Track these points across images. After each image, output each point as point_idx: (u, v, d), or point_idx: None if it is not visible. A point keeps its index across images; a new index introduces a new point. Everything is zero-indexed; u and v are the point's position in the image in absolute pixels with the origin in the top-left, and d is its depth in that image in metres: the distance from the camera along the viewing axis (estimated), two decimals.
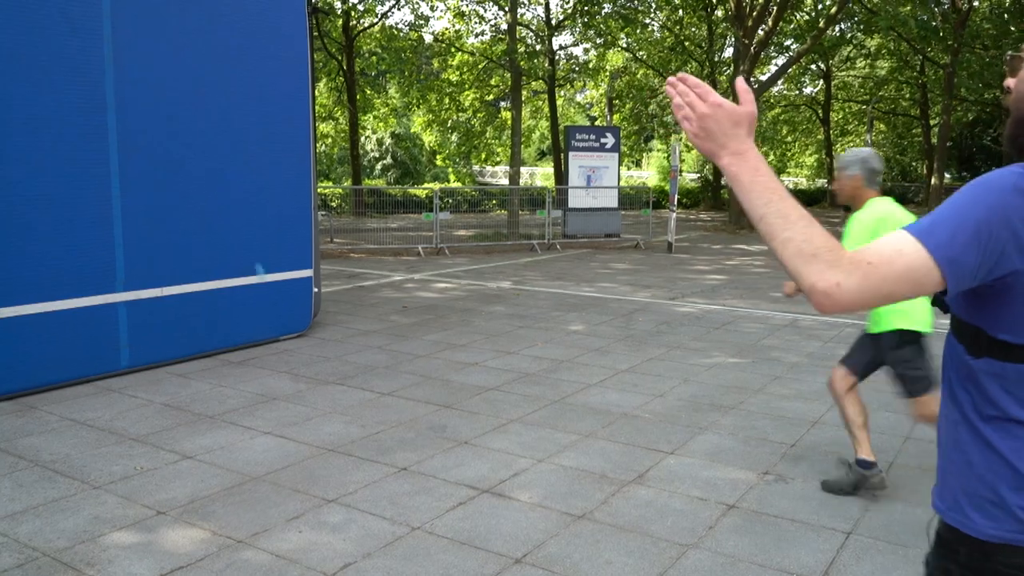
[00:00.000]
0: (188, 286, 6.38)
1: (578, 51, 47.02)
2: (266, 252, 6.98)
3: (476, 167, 40.71)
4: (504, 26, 26.60)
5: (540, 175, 45.84)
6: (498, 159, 36.14)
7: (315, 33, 24.64)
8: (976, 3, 29.04)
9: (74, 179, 5.61)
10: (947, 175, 41.02)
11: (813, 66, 36.09)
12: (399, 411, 5.20)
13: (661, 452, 4.50)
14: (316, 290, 7.64)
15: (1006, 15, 29.73)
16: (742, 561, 3.25)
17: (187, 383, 5.79)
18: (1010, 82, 1.33)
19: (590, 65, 32.77)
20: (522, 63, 20.40)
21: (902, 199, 41.97)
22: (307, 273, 7.41)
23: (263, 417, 5.03)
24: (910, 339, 3.72)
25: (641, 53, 33.14)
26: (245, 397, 5.46)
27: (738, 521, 3.62)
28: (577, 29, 29.52)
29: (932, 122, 35.08)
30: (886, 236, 1.21)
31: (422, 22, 27.98)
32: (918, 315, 3.70)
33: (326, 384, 5.82)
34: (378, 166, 40.20)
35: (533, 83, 30.18)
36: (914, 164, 45.34)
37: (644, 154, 47.61)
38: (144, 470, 4.11)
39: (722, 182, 35.24)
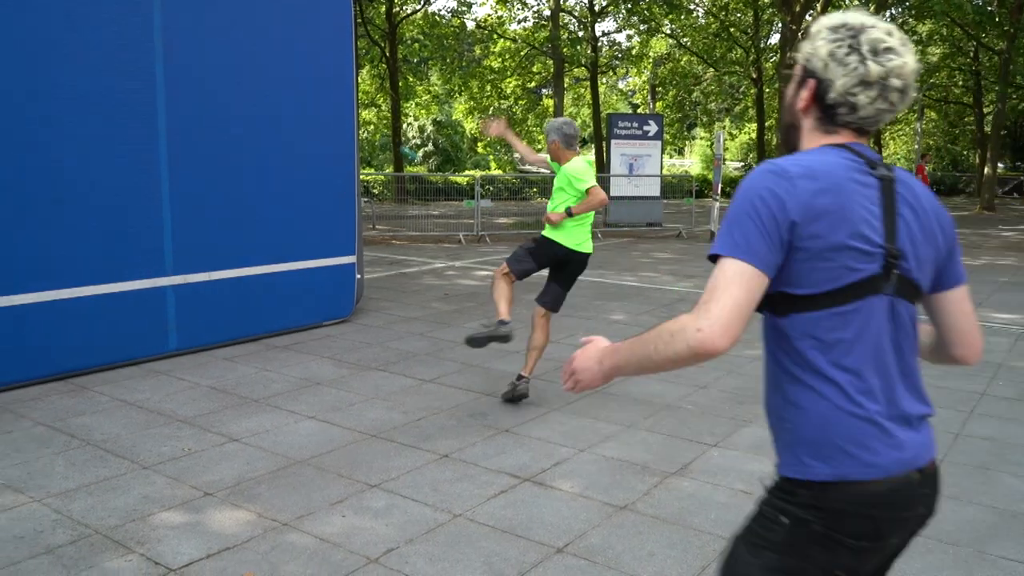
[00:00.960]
0: (234, 271, 6.47)
1: (621, 37, 46.58)
2: (310, 238, 7.05)
3: (517, 155, 40.65)
4: (547, 12, 26.46)
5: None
6: (539, 147, 36.06)
7: (359, 20, 24.76)
8: None
9: (124, 163, 5.71)
10: (1001, 165, 39.93)
11: None
12: (440, 398, 5.22)
13: (704, 444, 4.46)
14: (359, 276, 7.69)
15: None
16: None
17: (233, 366, 5.89)
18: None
19: (633, 52, 32.49)
20: (565, 50, 20.30)
21: (952, 190, 41.00)
22: (351, 259, 7.46)
23: (307, 402, 5.09)
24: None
25: (685, 39, 32.72)
26: (289, 381, 5.53)
27: None
28: (620, 15, 29.27)
29: (986, 110, 34.12)
30: (713, 275, 1.42)
31: (465, 8, 28.01)
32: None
33: (368, 370, 5.87)
34: (419, 153, 40.35)
35: (575, 70, 30.01)
36: (966, 153, 44.17)
37: (687, 142, 47.13)
38: (192, 451, 4.19)
39: None
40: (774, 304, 1.49)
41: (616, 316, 7.98)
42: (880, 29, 1.49)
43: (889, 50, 1.47)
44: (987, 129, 31.32)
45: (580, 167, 5.08)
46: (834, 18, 1.53)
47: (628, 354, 1.53)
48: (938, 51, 35.69)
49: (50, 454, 4.11)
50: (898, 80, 1.47)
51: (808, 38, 1.56)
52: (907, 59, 1.47)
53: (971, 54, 33.17)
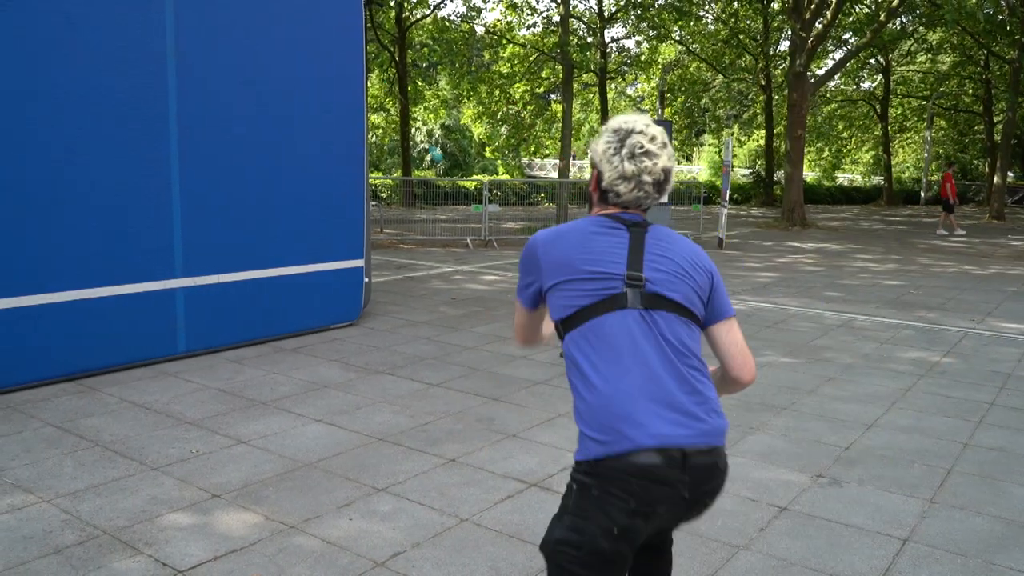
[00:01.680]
0: (243, 273, 6.50)
1: (630, 44, 46.57)
2: (319, 241, 7.07)
3: (524, 160, 40.69)
4: (556, 18, 26.49)
5: (589, 169, 45.57)
6: (547, 152, 36.08)
7: (368, 24, 24.84)
8: None
9: (135, 165, 5.75)
10: (1010, 174, 39.76)
11: (872, 60, 35.27)
12: (448, 402, 5.23)
13: None
14: (367, 280, 7.72)
15: None
16: (794, 565, 3.19)
17: (241, 369, 5.91)
18: None
19: (642, 58, 32.49)
20: (574, 55, 20.28)
21: (962, 198, 40.83)
22: (358, 263, 7.48)
23: (314, 405, 5.10)
24: None
25: (695, 46, 32.73)
26: (297, 384, 5.54)
27: (790, 524, 3.57)
28: (630, 21, 29.29)
29: (996, 119, 33.98)
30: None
31: (474, 14, 28.00)
32: None
33: (376, 374, 5.88)
34: (427, 157, 40.43)
35: (584, 76, 30.03)
36: (975, 162, 44.01)
37: (695, 149, 47.09)
38: (200, 453, 4.20)
39: (774, 178, 34.68)
40: (560, 330, 1.94)
41: None
42: (644, 135, 1.91)
43: (645, 153, 1.89)
44: (997, 138, 31.19)
45: None
46: (615, 121, 1.96)
47: None
48: (948, 59, 35.65)
49: (59, 455, 4.13)
50: (649, 176, 1.90)
51: (596, 136, 2.02)
52: (659, 161, 1.91)
53: (981, 63, 33.08)
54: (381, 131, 34.46)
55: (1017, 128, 31.55)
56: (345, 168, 7.30)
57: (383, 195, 25.45)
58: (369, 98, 31.23)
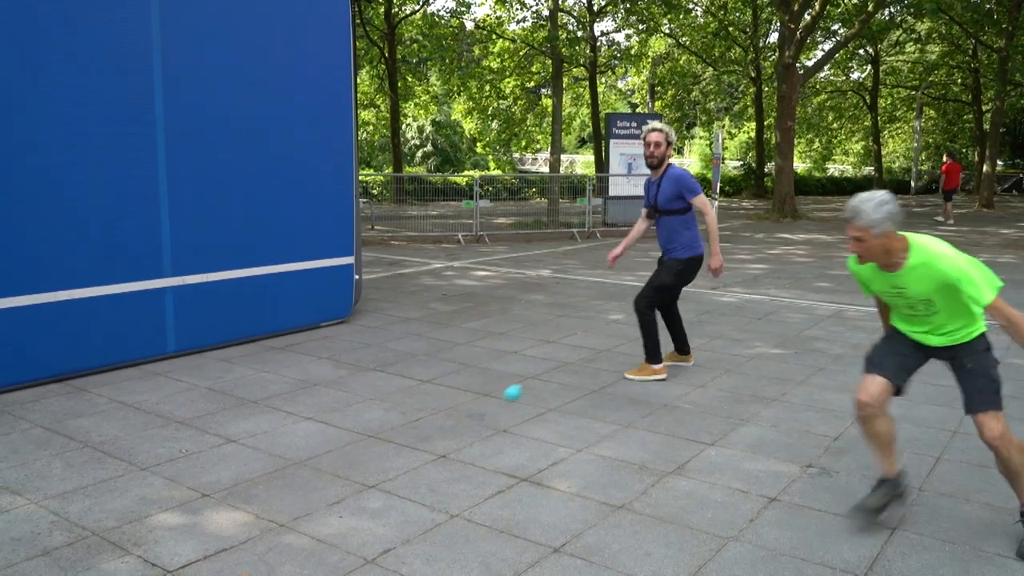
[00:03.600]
0: (232, 272, 6.47)
1: (620, 37, 46.52)
2: (309, 239, 7.05)
3: (516, 155, 40.65)
4: (546, 12, 26.44)
5: (580, 163, 45.61)
6: (538, 146, 36.00)
7: (357, 20, 24.74)
8: None
9: (122, 165, 5.72)
10: (1000, 162, 39.88)
11: (861, 51, 35.27)
12: (438, 399, 5.22)
13: (701, 443, 4.46)
14: (357, 277, 7.70)
15: None
16: (784, 555, 3.20)
17: (231, 368, 5.89)
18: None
19: (632, 51, 32.44)
20: (563, 50, 20.25)
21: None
22: (348, 260, 7.47)
23: (304, 403, 5.09)
24: None
25: (684, 39, 32.69)
26: (287, 383, 5.53)
27: (780, 514, 3.58)
28: (619, 15, 29.24)
29: (984, 108, 34.08)
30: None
31: (463, 9, 27.90)
32: None
33: (366, 371, 5.87)
34: (418, 153, 40.34)
35: (574, 70, 29.98)
36: (964, 151, 44.11)
37: (686, 141, 47.08)
38: (189, 453, 4.19)
39: (765, 170, 34.70)
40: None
41: (615, 316, 7.98)
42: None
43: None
44: (986, 127, 31.28)
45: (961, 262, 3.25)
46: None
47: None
48: (937, 49, 35.70)
49: (48, 456, 4.11)
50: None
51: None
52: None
53: (970, 52, 33.14)
54: (372, 128, 34.36)
55: (1006, 117, 31.65)
56: (334, 165, 7.27)
57: (374, 192, 25.39)
58: (359, 95, 31.18)
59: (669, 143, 5.56)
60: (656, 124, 5.57)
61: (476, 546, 3.24)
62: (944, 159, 22.98)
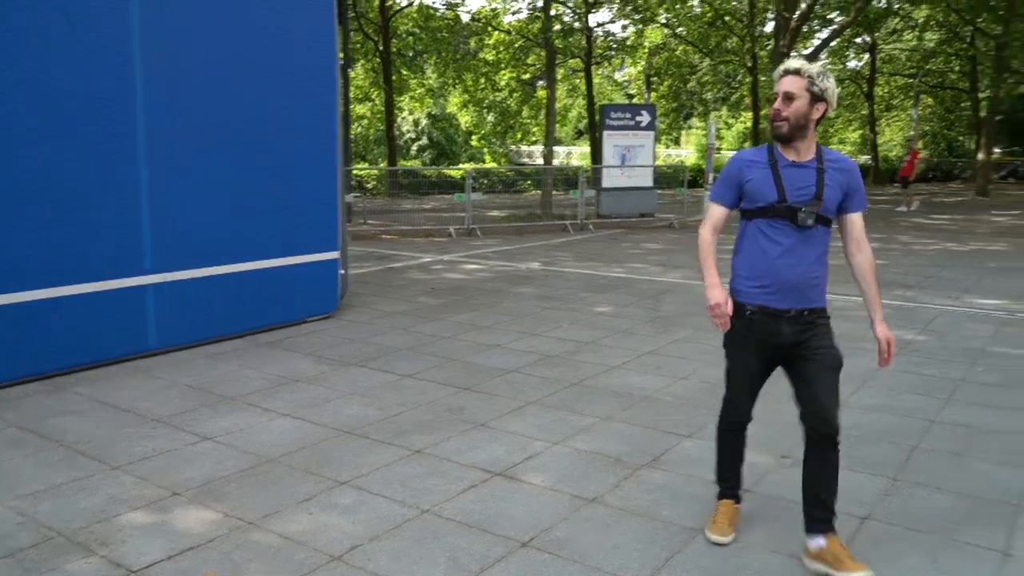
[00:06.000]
0: (215, 268, 6.45)
1: (616, 28, 46.30)
2: (292, 234, 7.02)
3: (512, 147, 40.58)
4: (540, 3, 26.34)
5: (577, 154, 45.53)
6: (534, 139, 35.94)
7: (351, 13, 24.66)
8: None
9: (102, 161, 5.68)
10: (997, 150, 39.78)
11: (858, 39, 35.15)
12: (419, 393, 5.21)
13: (679, 435, 4.45)
14: (343, 272, 7.68)
15: None
16: (753, 546, 3.20)
17: (213, 364, 5.88)
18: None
19: (628, 42, 32.32)
20: (556, 41, 20.20)
21: (948, 175, 40.88)
22: (334, 255, 7.44)
23: (284, 399, 5.08)
24: None
25: (680, 29, 32.55)
26: (268, 379, 5.52)
27: (753, 505, 3.56)
28: (615, 5, 29.12)
29: (981, 95, 33.94)
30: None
31: (458, 1, 27.83)
32: None
33: (348, 366, 5.86)
34: (414, 147, 40.27)
35: (570, 61, 29.89)
36: (961, 139, 44.00)
37: (683, 132, 47.00)
38: (163, 451, 4.18)
39: None
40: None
41: (601, 308, 7.96)
42: None
43: None
44: (983, 114, 31.17)
45: None
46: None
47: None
48: (935, 37, 35.56)
49: (21, 456, 4.10)
50: None
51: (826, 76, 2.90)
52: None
53: (968, 39, 33.00)
54: (367, 121, 34.30)
55: (1002, 104, 31.57)
56: (318, 159, 7.24)
57: (369, 185, 25.34)
58: (354, 88, 31.12)
59: (818, 98, 2.91)
60: (794, 63, 2.96)
61: (445, 541, 3.23)
62: (909, 148, 23.09)
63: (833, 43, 32.40)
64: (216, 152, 6.40)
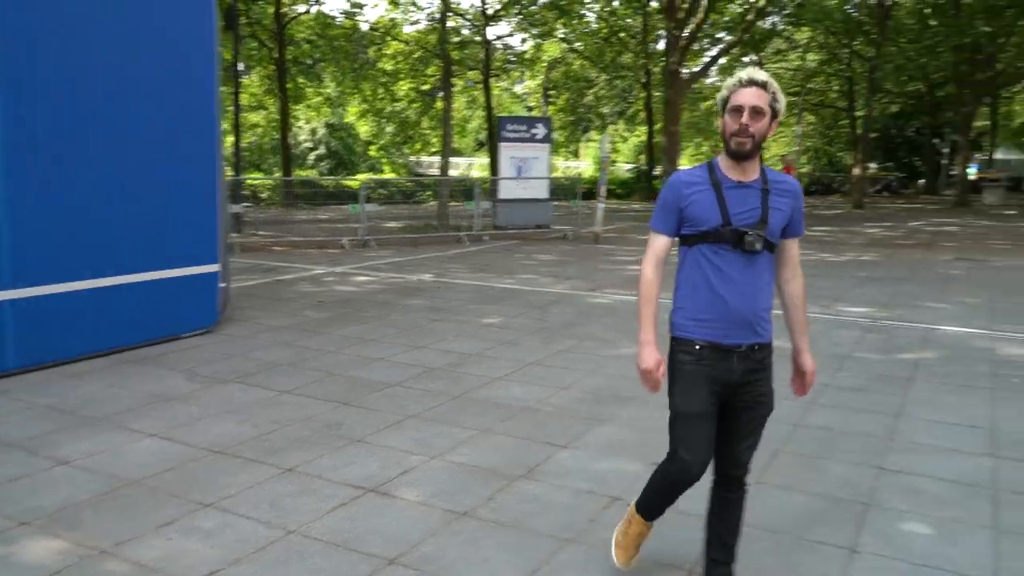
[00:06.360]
0: (81, 283, 6.14)
1: (515, 41, 46.85)
2: (168, 246, 6.76)
3: (412, 158, 40.38)
4: (439, 15, 26.35)
5: (478, 165, 45.73)
6: (434, 149, 35.85)
7: (244, 19, 24.05)
8: None
9: None
10: (874, 165, 42.26)
11: (746, 58, 36.68)
12: (296, 409, 5.09)
13: (556, 446, 4.50)
14: (224, 285, 7.45)
15: (927, 10, 30.66)
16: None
17: (77, 384, 5.58)
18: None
19: (526, 56, 32.73)
20: (453, 53, 20.27)
21: (828, 189, 43.09)
22: (213, 268, 7.20)
23: (152, 418, 4.87)
24: None
25: (578, 44, 33.20)
26: (137, 398, 5.28)
27: (621, 513, 3.63)
28: (514, 19, 29.44)
29: (858, 114, 36.00)
30: None
31: (356, 10, 27.52)
32: None
33: (224, 383, 5.67)
34: (311, 156, 39.54)
35: (469, 73, 30.01)
36: (840, 154, 46.50)
37: (581, 145, 47.88)
38: (14, 478, 3.93)
39: (654, 172, 35.64)
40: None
41: (489, 320, 7.99)
42: None
43: None
44: (859, 132, 33.03)
45: None
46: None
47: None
48: (816, 57, 37.49)
49: None
50: None
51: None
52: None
53: (845, 61, 34.94)
54: (261, 130, 33.48)
55: (876, 122, 33.55)
56: (195, 168, 7.00)
57: (263, 196, 24.71)
58: (248, 96, 30.37)
59: (776, 114, 2.67)
60: (760, 75, 2.64)
61: (309, 562, 3.16)
62: (784, 163, 24.35)
63: (723, 61, 33.77)
64: (82, 161, 6.10)
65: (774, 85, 2.63)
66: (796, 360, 2.96)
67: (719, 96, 2.69)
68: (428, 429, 4.75)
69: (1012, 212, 27.80)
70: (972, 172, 40.01)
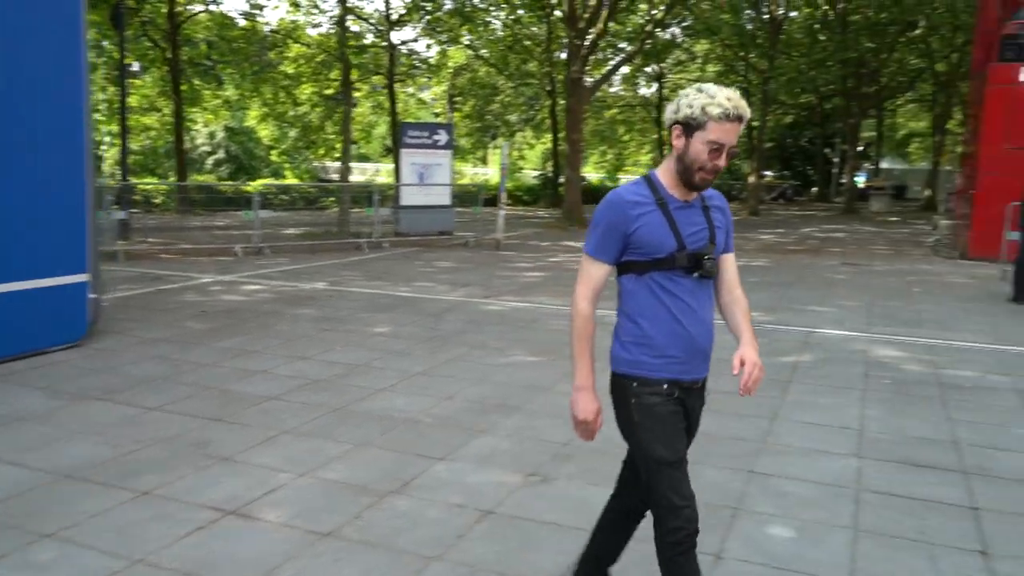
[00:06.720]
0: None
1: (420, 47, 46.57)
2: (27, 255, 6.33)
3: (317, 163, 39.59)
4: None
5: (384, 171, 45.21)
6: (337, 154, 35.22)
7: (135, 18, 23.06)
8: (791, 13, 31.13)
9: None
10: (769, 173, 43.89)
11: (648, 68, 37.54)
12: (162, 427, 4.81)
13: (432, 458, 4.39)
14: (94, 296, 7.04)
15: (816, 26, 32.08)
16: (482, 571, 3.17)
17: None
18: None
19: (431, 61, 32.54)
20: (352, 56, 19.95)
21: (728, 196, 44.50)
22: (81, 278, 6.80)
23: (0, 442, 4.51)
24: None
25: (483, 51, 33.24)
26: None
27: (491, 527, 3.56)
28: (419, 25, 29.23)
29: (754, 123, 37.32)
30: None
31: (256, 11, 26.77)
32: None
33: (87, 400, 5.33)
34: (210, 160, 38.26)
35: (374, 78, 29.62)
36: (738, 163, 48.11)
37: (490, 151, 47.98)
38: None
39: (559, 179, 36.04)
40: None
41: (380, 328, 7.82)
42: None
43: None
44: (755, 141, 34.23)
45: None
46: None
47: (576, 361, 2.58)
48: (715, 69, 38.69)
49: None
50: None
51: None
52: None
53: (741, 72, 36.18)
54: (155, 133, 32.16)
55: (771, 132, 34.84)
56: (62, 173, 6.59)
57: (156, 201, 23.71)
58: (140, 98, 29.16)
59: None
60: (742, 106, 2.31)
61: None
62: None
63: (626, 70, 34.43)
64: None
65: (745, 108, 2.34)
66: (742, 352, 2.49)
67: (687, 111, 2.34)
68: (302, 444, 4.57)
69: (895, 219, 29.31)
70: (860, 181, 42.11)
